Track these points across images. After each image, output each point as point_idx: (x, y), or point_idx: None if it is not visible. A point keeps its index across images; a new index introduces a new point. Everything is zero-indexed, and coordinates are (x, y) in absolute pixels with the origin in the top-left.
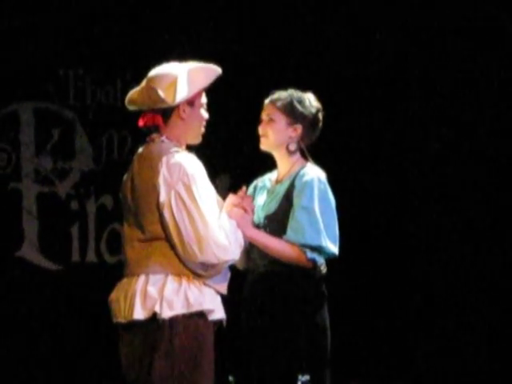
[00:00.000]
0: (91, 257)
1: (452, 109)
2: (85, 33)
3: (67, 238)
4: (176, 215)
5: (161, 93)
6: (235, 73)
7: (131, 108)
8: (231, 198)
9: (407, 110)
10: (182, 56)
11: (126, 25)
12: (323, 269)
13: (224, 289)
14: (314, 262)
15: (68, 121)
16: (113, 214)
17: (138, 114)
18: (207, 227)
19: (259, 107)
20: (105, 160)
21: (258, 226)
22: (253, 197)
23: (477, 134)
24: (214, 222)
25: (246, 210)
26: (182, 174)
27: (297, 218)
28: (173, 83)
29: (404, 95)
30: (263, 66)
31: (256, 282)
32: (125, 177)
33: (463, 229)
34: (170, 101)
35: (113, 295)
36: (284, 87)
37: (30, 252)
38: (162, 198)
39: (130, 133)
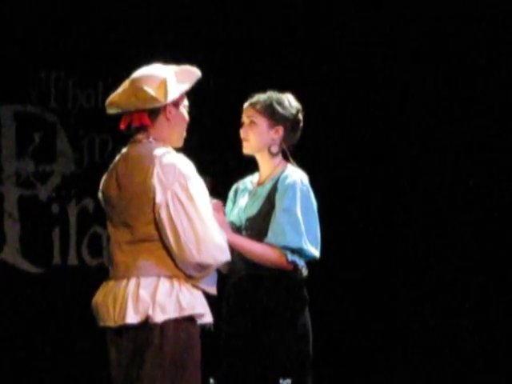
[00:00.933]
0: (72, 260)
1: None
2: (66, 35)
3: (48, 240)
4: (174, 216)
5: (152, 92)
6: (214, 76)
7: (112, 111)
8: None
9: (393, 108)
10: (162, 60)
11: (107, 28)
12: (304, 272)
13: (214, 290)
14: (294, 264)
15: (49, 124)
16: (94, 217)
17: (119, 118)
18: (206, 227)
19: (237, 109)
20: (86, 163)
21: (239, 229)
22: (233, 200)
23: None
24: (212, 223)
25: (219, 213)
26: (177, 175)
27: (278, 220)
28: (162, 83)
29: (389, 91)
30: (241, 69)
31: (236, 285)
32: (105, 177)
33: (452, 231)
34: (161, 99)
35: (98, 298)
36: (263, 89)
37: (11, 255)
38: (159, 199)
39: (112, 136)
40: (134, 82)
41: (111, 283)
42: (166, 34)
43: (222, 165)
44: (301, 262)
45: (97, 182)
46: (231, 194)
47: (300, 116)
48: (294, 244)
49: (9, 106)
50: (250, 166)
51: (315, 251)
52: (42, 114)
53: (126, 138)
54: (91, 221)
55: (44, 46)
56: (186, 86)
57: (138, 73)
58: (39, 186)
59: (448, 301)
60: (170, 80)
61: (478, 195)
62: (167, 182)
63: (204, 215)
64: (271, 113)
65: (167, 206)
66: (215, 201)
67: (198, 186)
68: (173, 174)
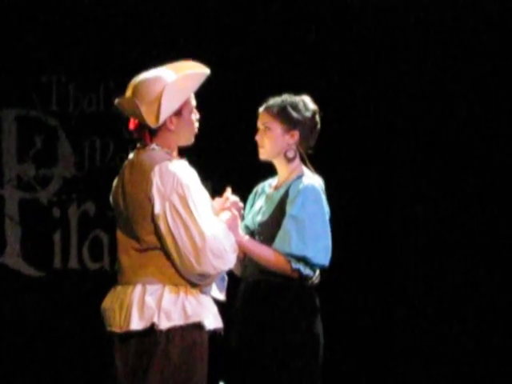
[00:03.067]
0: (73, 263)
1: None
2: (68, 39)
3: (49, 244)
4: (172, 227)
5: (144, 114)
6: (226, 79)
7: (119, 110)
8: (217, 201)
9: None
10: (164, 64)
11: (109, 32)
12: (315, 279)
13: (222, 295)
14: (299, 272)
15: (50, 127)
16: (95, 221)
17: (120, 121)
18: (204, 238)
19: (252, 113)
20: (87, 167)
21: (252, 233)
22: (252, 202)
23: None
24: (211, 232)
25: (233, 213)
26: (176, 184)
27: (285, 226)
28: (156, 100)
29: (405, 99)
30: (255, 72)
31: (247, 291)
32: (115, 182)
33: (459, 247)
34: (152, 123)
35: (106, 303)
36: (279, 93)
37: (12, 258)
38: (157, 209)
39: (113, 140)
40: (134, 91)
41: (118, 288)
42: (167, 37)
43: (241, 167)
44: (306, 270)
45: (98, 186)
46: (251, 196)
47: (317, 118)
48: (298, 252)
49: (10, 109)
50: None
51: (323, 259)
52: (43, 117)
53: (126, 142)
54: (92, 225)
55: (45, 50)
56: (189, 92)
57: (140, 81)
58: (40, 190)
59: (459, 309)
60: (165, 96)
61: (488, 208)
62: (165, 192)
63: (203, 225)
64: (285, 117)
65: (165, 216)
66: (234, 199)
67: (197, 195)
68: (171, 183)
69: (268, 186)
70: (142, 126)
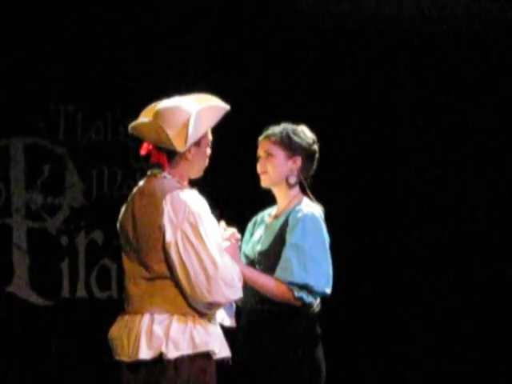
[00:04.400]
0: (81, 292)
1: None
2: (75, 68)
3: (57, 273)
4: (183, 256)
5: (171, 138)
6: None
7: (134, 134)
8: None
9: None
10: (173, 92)
11: (116, 61)
12: (316, 307)
13: (232, 322)
14: (301, 300)
15: (58, 156)
16: (103, 250)
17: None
18: (216, 267)
19: (251, 142)
20: (95, 195)
21: (252, 262)
22: (251, 231)
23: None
24: (223, 260)
25: (233, 243)
26: (187, 213)
27: (286, 255)
28: (183, 127)
29: (403, 120)
30: (253, 102)
31: (248, 319)
32: (123, 209)
33: (462, 267)
34: (180, 147)
35: (114, 332)
36: (273, 122)
37: (19, 287)
38: (168, 238)
39: (121, 168)
40: (158, 116)
41: (126, 317)
42: (174, 66)
43: (238, 197)
44: (309, 299)
45: (106, 215)
46: (250, 225)
47: (316, 147)
48: (300, 280)
49: (18, 138)
50: (268, 198)
51: (325, 288)
52: (51, 146)
53: (134, 170)
54: (100, 253)
55: (53, 79)
56: (210, 125)
57: (164, 107)
58: (48, 219)
59: (461, 331)
60: (192, 123)
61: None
62: (177, 220)
63: (214, 254)
64: (288, 143)
65: (177, 245)
66: (231, 230)
67: (208, 223)
68: (183, 212)
69: (267, 215)
70: (160, 150)
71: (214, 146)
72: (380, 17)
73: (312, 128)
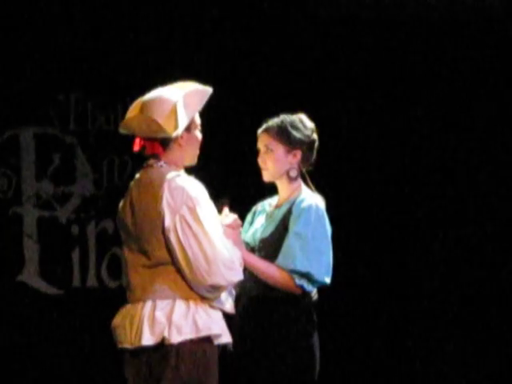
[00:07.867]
0: (92, 281)
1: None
2: (85, 57)
3: (68, 262)
4: (182, 239)
5: (162, 124)
6: (230, 97)
7: (125, 132)
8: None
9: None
10: (179, 79)
11: (126, 49)
12: (314, 296)
13: (232, 308)
14: (302, 288)
15: (68, 145)
16: (114, 239)
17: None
18: (215, 249)
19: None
20: (105, 184)
21: (252, 249)
22: (250, 221)
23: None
24: (222, 243)
25: (234, 228)
26: (185, 198)
27: (289, 243)
28: (172, 112)
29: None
30: (255, 91)
31: (246, 306)
32: (121, 202)
33: (463, 263)
34: (172, 132)
35: (116, 321)
36: (276, 112)
37: (30, 276)
38: (167, 223)
39: (131, 157)
40: (145, 109)
41: (128, 306)
42: (184, 56)
43: (239, 188)
44: (309, 287)
45: (116, 204)
46: (249, 215)
47: (315, 136)
48: (302, 268)
49: (28, 127)
50: (270, 189)
51: (325, 277)
52: (62, 135)
53: (145, 159)
54: (111, 242)
55: (63, 68)
56: (197, 108)
57: (149, 98)
58: (58, 208)
59: (464, 330)
60: (179, 108)
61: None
62: (175, 205)
63: (213, 237)
64: (287, 138)
65: (176, 229)
66: (233, 216)
67: (206, 208)
68: (181, 197)
69: (268, 204)
70: (153, 141)
71: (214, 135)
72: (382, 4)
73: (313, 118)
